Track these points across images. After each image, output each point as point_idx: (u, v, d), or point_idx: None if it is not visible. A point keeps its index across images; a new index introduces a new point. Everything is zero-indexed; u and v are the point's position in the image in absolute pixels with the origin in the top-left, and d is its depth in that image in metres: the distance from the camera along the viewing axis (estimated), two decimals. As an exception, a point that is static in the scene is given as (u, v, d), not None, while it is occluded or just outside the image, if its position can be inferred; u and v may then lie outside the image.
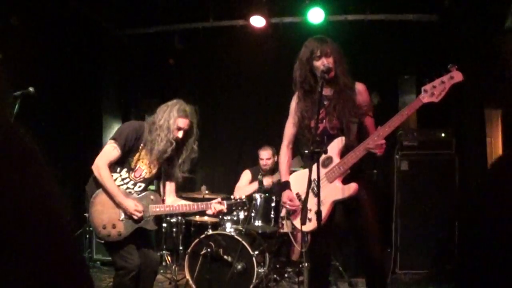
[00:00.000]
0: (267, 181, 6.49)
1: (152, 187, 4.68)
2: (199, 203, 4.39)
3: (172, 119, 4.19)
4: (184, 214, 6.76)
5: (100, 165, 4.08)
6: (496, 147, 8.08)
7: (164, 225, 6.90)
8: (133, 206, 4.10)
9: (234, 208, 4.77)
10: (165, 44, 8.50)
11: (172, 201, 4.43)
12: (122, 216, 4.11)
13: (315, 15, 7.53)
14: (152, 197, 4.29)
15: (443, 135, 6.80)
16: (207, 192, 6.32)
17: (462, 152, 6.76)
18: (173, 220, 6.79)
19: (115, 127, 8.53)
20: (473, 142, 6.80)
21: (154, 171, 4.35)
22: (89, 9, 7.64)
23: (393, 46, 7.70)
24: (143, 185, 4.31)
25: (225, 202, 4.48)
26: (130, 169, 4.24)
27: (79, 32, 7.60)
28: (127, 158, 4.21)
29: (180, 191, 6.87)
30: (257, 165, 7.00)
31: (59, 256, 0.78)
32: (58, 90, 7.15)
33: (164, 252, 6.97)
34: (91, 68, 8.12)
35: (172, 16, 8.23)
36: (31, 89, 3.92)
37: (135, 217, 4.11)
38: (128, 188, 4.24)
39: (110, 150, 4.13)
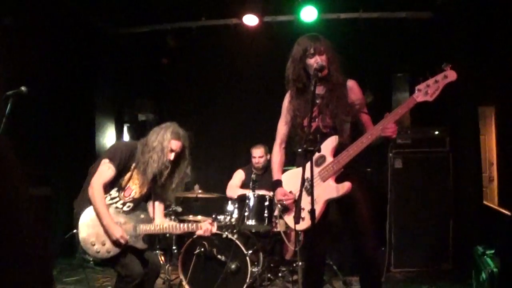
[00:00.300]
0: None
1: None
2: (189, 223, 4.38)
3: (166, 141, 4.19)
4: (177, 214, 6.75)
5: (95, 186, 4.04)
6: (489, 144, 8.10)
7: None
8: (119, 233, 4.03)
9: (224, 229, 4.77)
10: (159, 43, 8.48)
11: (160, 221, 4.39)
12: None
13: (308, 14, 7.54)
14: (142, 216, 4.26)
15: (436, 133, 6.83)
16: (200, 191, 6.30)
17: (456, 150, 6.78)
18: (166, 219, 6.76)
19: (108, 127, 8.51)
20: (467, 139, 6.81)
21: (144, 191, 4.34)
22: (82, 8, 7.61)
23: (386, 44, 7.71)
24: (132, 205, 4.29)
25: (215, 223, 4.46)
26: (120, 189, 4.22)
27: (72, 31, 7.57)
28: (118, 178, 4.19)
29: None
30: (250, 164, 6.99)
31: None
32: (51, 89, 7.13)
33: (157, 252, 6.93)
34: (84, 67, 8.07)
35: (165, 15, 8.21)
36: (23, 88, 3.90)
37: (121, 243, 4.02)
38: (117, 207, 4.21)
39: (105, 170, 4.11)
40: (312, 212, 3.29)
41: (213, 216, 6.06)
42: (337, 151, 3.75)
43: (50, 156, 7.26)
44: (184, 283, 5.50)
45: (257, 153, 6.84)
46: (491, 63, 6.45)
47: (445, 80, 3.49)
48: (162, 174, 4.21)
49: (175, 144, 4.23)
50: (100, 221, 4.02)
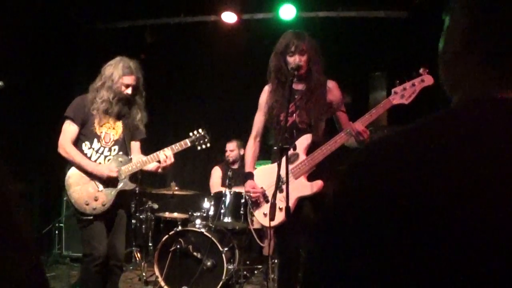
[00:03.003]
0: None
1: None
2: (156, 152, 4.35)
3: (116, 77, 4.26)
4: (153, 210, 6.75)
5: (64, 143, 4.17)
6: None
7: (134, 221, 6.85)
8: (107, 168, 4.15)
9: (196, 143, 4.74)
10: (136, 39, 8.42)
11: (136, 159, 4.41)
12: (101, 187, 4.16)
13: (287, 12, 7.56)
14: (120, 159, 4.31)
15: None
16: (176, 188, 6.28)
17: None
18: (143, 216, 6.76)
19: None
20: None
21: (120, 130, 4.35)
22: (60, 2, 7.54)
23: (364, 43, 7.73)
24: (117, 147, 4.31)
25: (179, 144, 4.55)
26: (98, 137, 4.24)
27: (50, 26, 7.49)
28: (89, 129, 4.23)
29: (150, 187, 6.85)
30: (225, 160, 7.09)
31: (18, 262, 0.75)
32: (28, 84, 7.06)
33: (133, 248, 6.92)
34: (62, 62, 8.00)
35: (143, 10, 8.16)
36: (0, 82, 3.89)
37: (113, 175, 4.15)
38: (106, 156, 4.25)
39: (66, 127, 4.22)
40: (287, 209, 3.32)
41: (189, 213, 6.07)
42: (310, 149, 3.79)
43: (26, 152, 7.19)
44: (159, 279, 5.48)
45: (229, 147, 7.02)
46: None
47: (422, 84, 3.56)
48: (114, 110, 4.26)
49: (129, 79, 4.30)
50: (85, 171, 4.14)
